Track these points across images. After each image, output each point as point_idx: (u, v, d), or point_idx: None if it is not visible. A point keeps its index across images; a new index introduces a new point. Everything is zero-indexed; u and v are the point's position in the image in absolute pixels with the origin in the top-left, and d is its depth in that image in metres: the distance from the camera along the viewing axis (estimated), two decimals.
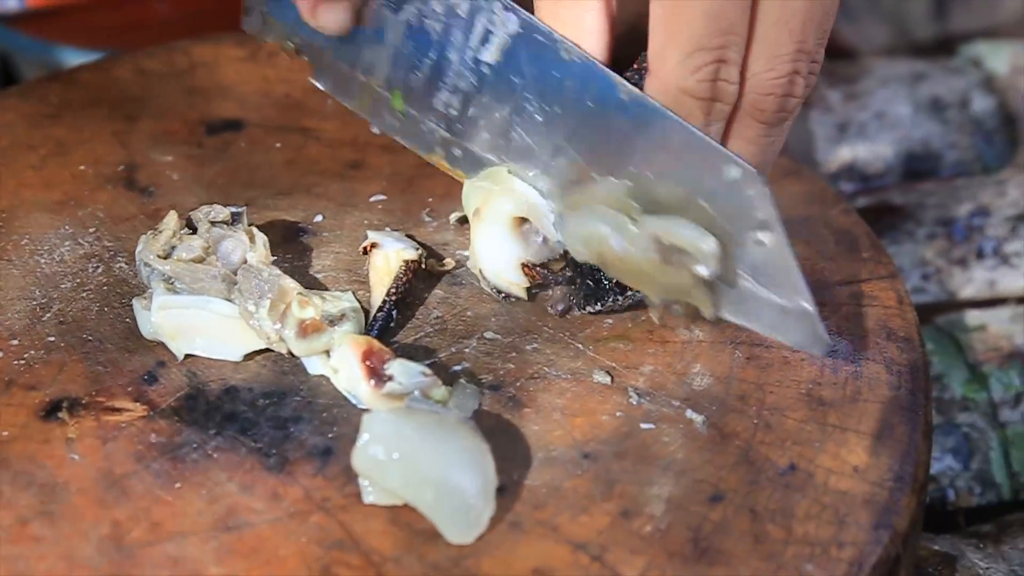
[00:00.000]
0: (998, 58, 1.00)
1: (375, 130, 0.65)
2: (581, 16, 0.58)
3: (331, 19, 0.61)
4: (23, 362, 0.59)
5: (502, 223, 0.61)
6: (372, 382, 0.56)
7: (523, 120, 0.58)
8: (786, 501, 0.54)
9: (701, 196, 0.55)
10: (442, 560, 0.52)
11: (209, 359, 0.59)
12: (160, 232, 0.62)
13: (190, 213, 0.63)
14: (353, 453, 0.53)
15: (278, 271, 0.60)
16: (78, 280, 0.63)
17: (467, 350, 0.60)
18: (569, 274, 0.61)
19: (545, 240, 0.61)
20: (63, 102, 0.75)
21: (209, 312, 0.59)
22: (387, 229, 0.66)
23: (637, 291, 0.60)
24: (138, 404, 0.57)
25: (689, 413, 0.58)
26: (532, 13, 0.59)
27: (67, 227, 0.66)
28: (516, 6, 0.58)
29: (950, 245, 0.86)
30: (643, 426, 0.57)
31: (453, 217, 0.67)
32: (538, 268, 0.62)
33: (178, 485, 0.54)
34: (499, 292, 0.62)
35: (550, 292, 0.62)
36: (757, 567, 0.52)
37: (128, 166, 0.70)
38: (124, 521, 0.53)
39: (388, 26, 0.60)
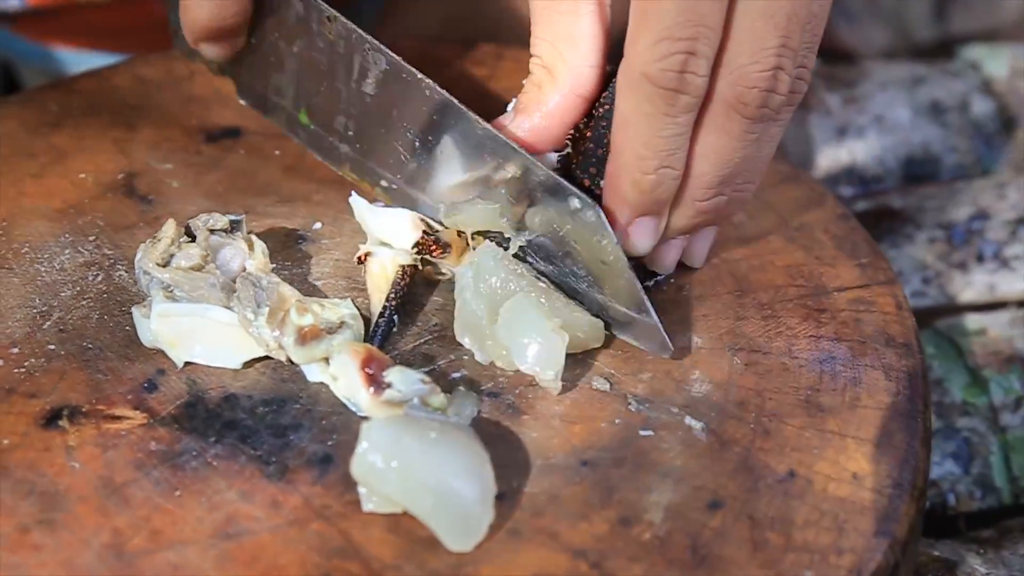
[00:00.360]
0: (997, 61, 1.00)
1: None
2: (575, 23, 0.58)
3: (213, 52, 0.68)
4: (23, 370, 0.59)
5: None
6: (371, 389, 0.56)
7: (404, 145, 0.63)
8: (785, 508, 0.54)
9: (555, 222, 0.59)
10: (442, 568, 0.52)
11: (208, 367, 0.59)
12: (159, 240, 0.62)
13: (189, 221, 0.63)
14: (352, 461, 0.53)
15: (277, 279, 0.60)
16: (78, 288, 0.63)
17: (466, 357, 0.60)
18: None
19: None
20: (63, 110, 0.75)
21: (208, 320, 0.59)
22: (381, 204, 0.66)
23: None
24: (138, 412, 0.57)
25: (688, 420, 0.58)
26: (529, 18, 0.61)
27: (67, 235, 0.66)
28: (382, 46, 0.63)
29: (950, 249, 0.86)
30: (642, 433, 0.57)
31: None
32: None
33: (178, 493, 0.54)
34: None
35: None
36: (756, 574, 0.52)
37: (128, 174, 0.71)
38: (124, 529, 0.53)
39: (286, 56, 0.67)
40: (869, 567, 0.52)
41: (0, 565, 0.51)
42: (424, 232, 0.63)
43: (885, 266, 0.66)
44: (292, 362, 0.59)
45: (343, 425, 0.57)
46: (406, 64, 0.62)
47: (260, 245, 0.62)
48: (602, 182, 0.60)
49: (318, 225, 0.68)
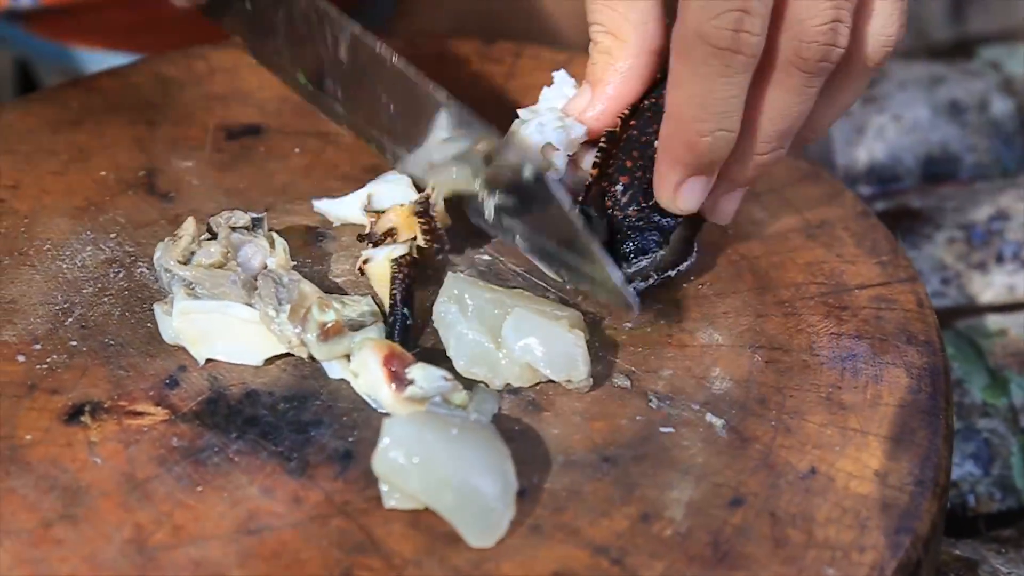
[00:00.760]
0: (1017, 61, 1.00)
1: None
2: (632, 6, 0.58)
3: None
4: (46, 366, 0.59)
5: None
6: (393, 386, 0.56)
7: (383, 110, 0.65)
8: (806, 505, 0.54)
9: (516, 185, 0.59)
10: (463, 564, 0.52)
11: (230, 363, 0.60)
12: (179, 238, 0.62)
13: (210, 219, 0.63)
14: (374, 457, 0.53)
15: (298, 276, 0.60)
16: (100, 285, 0.64)
17: None
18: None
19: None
20: (84, 108, 0.75)
21: (230, 317, 0.59)
22: (393, 172, 0.67)
23: (653, 256, 0.61)
24: (160, 408, 0.58)
25: (709, 417, 0.58)
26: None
27: (88, 232, 0.67)
28: (345, 16, 0.64)
29: (969, 249, 0.86)
30: (663, 430, 0.57)
31: None
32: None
33: (200, 489, 0.54)
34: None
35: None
36: (777, 571, 0.52)
37: (149, 171, 0.71)
38: (146, 524, 0.53)
39: (276, 20, 0.69)
40: (891, 565, 0.52)
41: (23, 559, 0.51)
42: (371, 221, 0.64)
43: (906, 263, 0.66)
44: (313, 359, 0.59)
45: (364, 421, 0.57)
46: (369, 36, 0.64)
47: (281, 243, 0.62)
48: (644, 163, 0.60)
49: (338, 223, 0.68)
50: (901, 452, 0.56)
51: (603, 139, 0.61)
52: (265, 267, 0.61)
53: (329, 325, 0.58)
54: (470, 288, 0.59)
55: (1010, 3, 1.22)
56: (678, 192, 0.59)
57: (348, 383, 0.59)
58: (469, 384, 0.58)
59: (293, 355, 0.60)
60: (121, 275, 0.64)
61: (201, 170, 0.71)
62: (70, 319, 0.62)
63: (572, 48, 0.81)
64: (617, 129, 0.61)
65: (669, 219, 0.61)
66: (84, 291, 0.63)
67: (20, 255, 0.65)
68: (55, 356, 0.60)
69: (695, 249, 0.63)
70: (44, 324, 0.61)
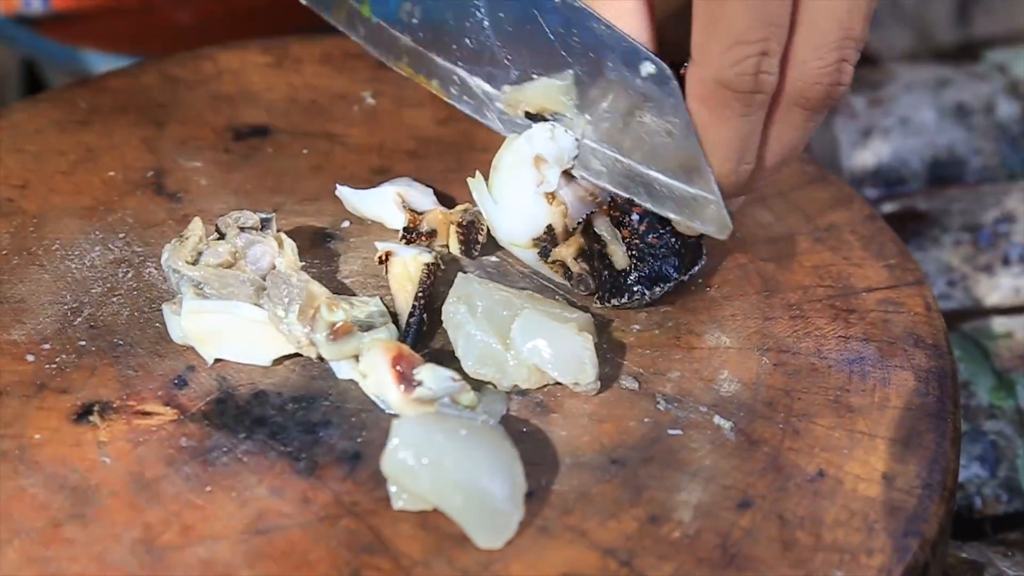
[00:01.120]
0: (1023, 64, 1.00)
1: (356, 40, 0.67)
2: (621, 4, 0.58)
3: None
4: (55, 366, 0.59)
5: (519, 170, 0.61)
6: (402, 387, 0.56)
7: (473, 27, 0.62)
8: (815, 508, 0.54)
9: (624, 90, 0.58)
10: (471, 565, 0.52)
11: (238, 363, 0.60)
12: (186, 238, 0.62)
13: (218, 219, 0.63)
14: (383, 458, 0.53)
15: (306, 276, 0.61)
16: (108, 285, 0.64)
17: None
18: (582, 266, 0.62)
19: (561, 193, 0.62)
20: (92, 108, 0.75)
21: (238, 317, 0.59)
22: (410, 179, 0.67)
23: (667, 285, 0.61)
24: (168, 408, 0.58)
25: (717, 419, 0.58)
26: None
27: (97, 232, 0.67)
28: None
29: (976, 251, 0.86)
30: (671, 432, 0.57)
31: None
32: (557, 261, 0.62)
33: (209, 489, 0.54)
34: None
35: (573, 280, 0.62)
36: (786, 574, 0.52)
37: (157, 172, 0.71)
38: (155, 524, 0.53)
39: None
40: (899, 567, 0.52)
41: (32, 559, 0.52)
42: (409, 219, 0.64)
43: (913, 267, 0.66)
44: (321, 359, 0.59)
45: (372, 422, 0.57)
46: None
47: (289, 243, 0.62)
48: None
49: (346, 223, 0.68)
50: (909, 455, 0.56)
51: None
52: (274, 267, 0.61)
53: (338, 325, 0.58)
54: (480, 289, 0.59)
55: (1015, 6, 1.22)
56: None
57: (357, 384, 0.59)
58: (477, 385, 0.58)
59: (301, 355, 0.60)
60: (130, 275, 0.64)
61: (209, 170, 0.71)
62: (79, 319, 0.62)
63: None
64: None
65: (688, 240, 0.61)
66: (93, 291, 0.63)
67: (29, 255, 0.65)
68: (64, 356, 0.60)
69: (704, 252, 0.63)
70: (53, 324, 0.61)
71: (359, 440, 0.56)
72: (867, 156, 0.94)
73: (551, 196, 0.61)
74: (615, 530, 0.53)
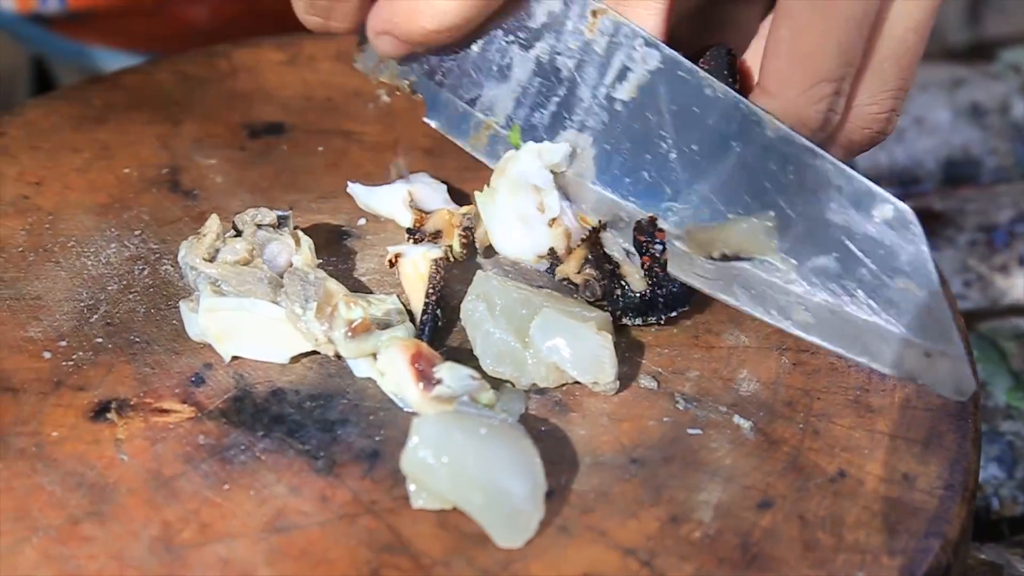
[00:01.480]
0: None
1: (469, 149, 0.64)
2: (643, 22, 0.57)
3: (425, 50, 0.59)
4: (72, 363, 0.59)
5: (517, 197, 0.61)
6: (421, 385, 0.56)
7: (655, 158, 0.57)
8: (836, 508, 0.54)
9: (847, 235, 0.53)
10: (491, 564, 0.51)
11: (256, 361, 0.59)
12: (203, 236, 0.62)
13: (235, 216, 0.63)
14: (402, 456, 0.53)
15: (323, 274, 0.60)
16: (124, 282, 0.64)
17: None
18: (588, 273, 0.61)
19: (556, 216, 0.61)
20: (107, 105, 0.75)
21: (256, 314, 0.59)
22: (423, 173, 0.67)
23: (682, 310, 0.60)
24: (186, 405, 0.57)
25: (736, 419, 0.57)
26: None
27: (113, 229, 0.67)
28: (658, 42, 0.56)
29: (991, 252, 0.85)
30: (690, 431, 0.57)
31: None
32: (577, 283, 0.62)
33: (227, 487, 0.54)
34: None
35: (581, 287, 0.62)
36: (807, 574, 0.51)
37: (172, 169, 0.71)
38: (174, 522, 0.53)
39: (515, 63, 0.59)
40: (921, 568, 0.52)
41: (51, 556, 0.51)
42: (415, 219, 0.64)
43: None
44: (339, 357, 0.59)
45: (390, 421, 0.57)
46: (685, 59, 0.56)
47: (306, 241, 0.62)
48: None
49: (362, 221, 0.68)
50: (930, 456, 0.56)
51: None
52: (290, 265, 0.61)
53: (356, 322, 0.58)
54: (499, 287, 0.59)
55: None
56: None
57: (374, 382, 0.59)
58: (495, 384, 0.58)
59: (319, 353, 0.60)
60: (146, 272, 0.64)
61: (224, 168, 0.71)
62: (95, 316, 0.62)
63: None
64: None
65: None
66: (109, 288, 0.63)
67: (45, 251, 0.65)
68: (81, 353, 0.60)
69: None
70: (69, 321, 0.61)
71: (377, 438, 0.56)
72: (882, 156, 0.94)
73: (553, 222, 0.60)
74: (635, 530, 0.53)
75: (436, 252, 0.62)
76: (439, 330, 0.61)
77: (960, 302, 0.83)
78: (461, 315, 0.60)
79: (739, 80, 0.58)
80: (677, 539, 0.52)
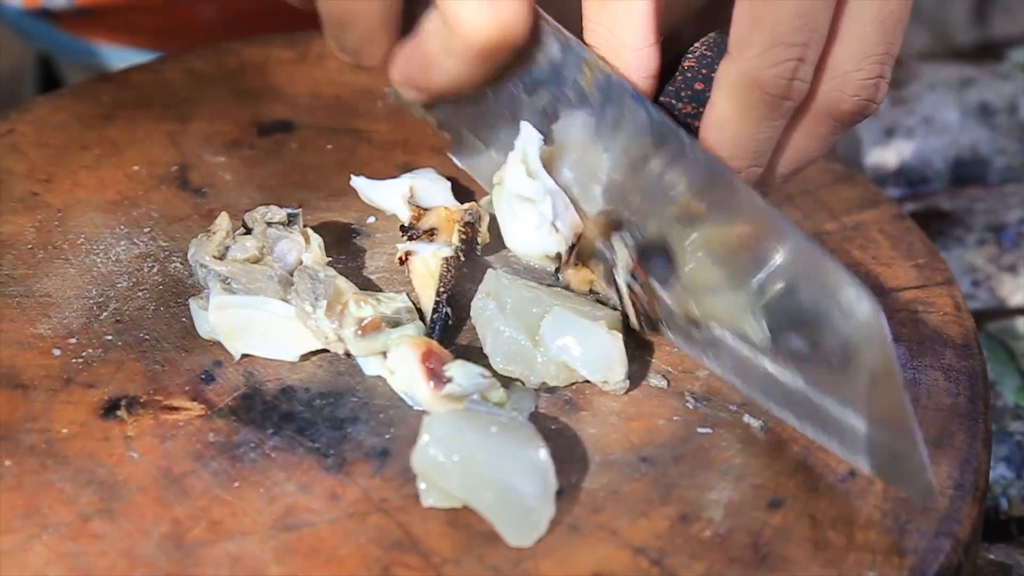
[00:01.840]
0: None
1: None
2: (630, 3, 0.56)
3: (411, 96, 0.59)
4: (81, 360, 0.59)
5: (518, 206, 0.60)
6: (431, 384, 0.56)
7: (655, 210, 0.57)
8: (846, 508, 0.54)
9: (824, 323, 0.51)
10: (501, 562, 0.51)
11: (265, 359, 0.59)
12: (213, 233, 0.62)
13: (245, 214, 0.63)
14: (413, 454, 0.53)
15: (333, 272, 0.60)
16: (134, 279, 0.64)
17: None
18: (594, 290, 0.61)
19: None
20: (116, 103, 0.75)
21: (266, 312, 0.59)
22: (429, 169, 0.67)
23: None
24: (195, 403, 0.57)
25: (746, 418, 0.57)
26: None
27: (122, 226, 0.67)
28: (646, 100, 0.56)
29: (1000, 252, 0.85)
30: (700, 431, 0.57)
31: None
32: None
33: (237, 484, 0.54)
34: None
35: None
36: (818, 573, 0.51)
37: (181, 166, 0.71)
38: (184, 519, 0.53)
39: (522, 109, 0.59)
40: (932, 568, 0.52)
41: (61, 553, 0.51)
42: (412, 216, 0.63)
43: (942, 267, 0.66)
44: (348, 355, 0.59)
45: (400, 419, 0.57)
46: (670, 121, 0.56)
47: (316, 239, 0.62)
48: None
49: (372, 219, 0.68)
50: (940, 456, 0.56)
51: None
52: (300, 263, 0.61)
53: (366, 320, 0.58)
54: (509, 285, 0.59)
55: None
56: None
57: (384, 380, 0.58)
58: (505, 382, 0.58)
59: (328, 351, 0.60)
60: (155, 270, 0.64)
61: (233, 165, 0.71)
62: (105, 313, 0.62)
63: None
64: None
65: None
66: (118, 285, 0.63)
67: (54, 249, 0.65)
68: (90, 350, 0.60)
69: None
70: (79, 318, 0.61)
71: (387, 436, 0.56)
72: (890, 155, 0.93)
73: (553, 227, 0.60)
74: (646, 529, 0.53)
75: (447, 250, 0.62)
76: (449, 328, 0.61)
77: (968, 302, 0.83)
78: (471, 313, 0.60)
79: None
80: (687, 538, 0.52)
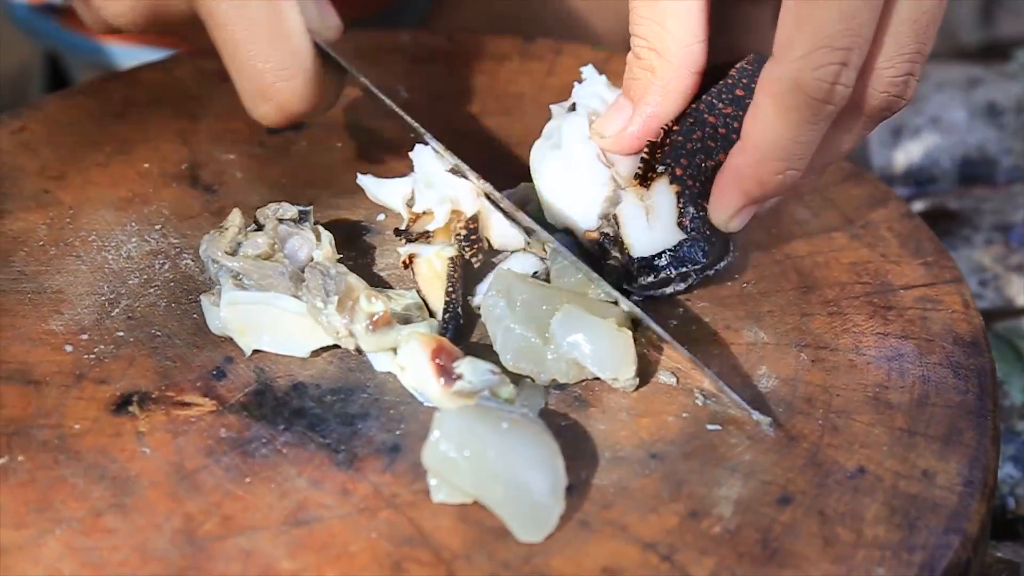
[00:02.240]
0: None
1: None
2: (680, 26, 0.57)
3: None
4: (93, 356, 0.59)
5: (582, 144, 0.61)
6: (442, 380, 0.56)
7: None
8: (855, 504, 0.54)
9: None
10: (512, 558, 0.52)
11: (277, 355, 0.60)
12: (226, 229, 0.62)
13: (257, 211, 0.63)
14: (424, 450, 0.53)
15: (344, 268, 0.61)
16: (145, 276, 0.64)
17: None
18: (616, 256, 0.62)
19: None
20: (127, 101, 0.75)
21: (277, 308, 0.60)
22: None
23: (694, 268, 0.61)
24: (207, 399, 0.58)
25: (755, 415, 0.57)
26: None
27: (133, 224, 0.67)
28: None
29: (1007, 251, 0.85)
30: (709, 427, 0.57)
31: None
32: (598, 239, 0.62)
33: (248, 480, 0.54)
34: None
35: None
36: (827, 570, 0.51)
37: (192, 164, 0.71)
38: (196, 514, 0.53)
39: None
40: (941, 564, 0.52)
41: (74, 548, 0.52)
42: (409, 218, 0.64)
43: (950, 264, 0.66)
44: (359, 351, 0.59)
45: (410, 415, 0.57)
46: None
47: (327, 236, 0.62)
48: (692, 172, 0.60)
49: (382, 217, 0.68)
50: (949, 452, 0.56)
51: (645, 149, 0.61)
52: (311, 259, 0.61)
53: (377, 316, 0.58)
54: (519, 283, 0.59)
55: None
56: (735, 217, 0.59)
57: (394, 376, 0.59)
58: (515, 379, 0.58)
59: (339, 347, 0.60)
60: (166, 266, 0.64)
61: (243, 163, 0.71)
62: (116, 309, 0.62)
63: (610, 47, 0.81)
64: (659, 138, 0.61)
65: (718, 232, 0.61)
66: (130, 282, 0.64)
67: (66, 245, 0.65)
68: (102, 346, 0.60)
69: (731, 248, 0.63)
70: (91, 314, 0.62)
71: (398, 432, 0.56)
72: (898, 155, 0.94)
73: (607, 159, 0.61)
74: (655, 524, 0.53)
75: (450, 251, 0.62)
76: (460, 327, 0.61)
77: (976, 301, 0.83)
78: (481, 311, 0.60)
79: None
80: (697, 534, 0.53)
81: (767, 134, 0.56)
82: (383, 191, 0.67)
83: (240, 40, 0.61)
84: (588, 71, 0.65)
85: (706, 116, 0.60)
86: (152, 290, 0.63)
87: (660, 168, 0.60)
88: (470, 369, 0.56)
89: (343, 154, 0.72)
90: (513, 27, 0.88)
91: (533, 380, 0.58)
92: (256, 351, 0.60)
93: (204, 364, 0.59)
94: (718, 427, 0.57)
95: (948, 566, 0.52)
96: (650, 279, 0.61)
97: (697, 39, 0.58)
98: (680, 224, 0.61)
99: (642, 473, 0.55)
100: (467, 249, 0.62)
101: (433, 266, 0.62)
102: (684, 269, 0.61)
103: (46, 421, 0.56)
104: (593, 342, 0.57)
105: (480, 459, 0.52)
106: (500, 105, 0.76)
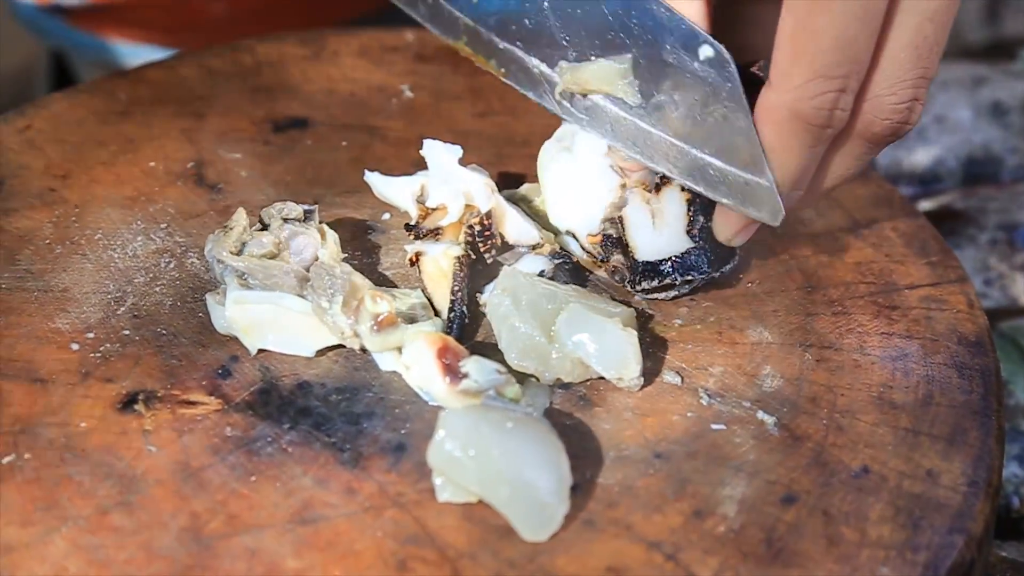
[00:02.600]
0: None
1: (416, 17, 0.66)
2: (684, 8, 0.57)
3: None
4: (99, 355, 0.60)
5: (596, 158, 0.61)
6: (448, 379, 0.56)
7: (532, 8, 0.61)
8: (860, 504, 0.54)
9: (682, 74, 0.57)
10: (517, 557, 0.52)
11: (282, 354, 0.60)
12: (230, 229, 0.62)
13: (262, 210, 0.64)
14: (429, 449, 0.53)
15: (349, 268, 0.61)
16: (151, 275, 0.64)
17: None
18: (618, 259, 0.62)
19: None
20: (132, 100, 0.76)
21: (282, 308, 0.60)
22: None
23: (698, 276, 0.61)
24: (212, 398, 0.58)
25: (760, 414, 0.58)
26: None
27: (139, 222, 0.67)
28: None
29: (1012, 251, 0.85)
30: (714, 427, 0.57)
31: None
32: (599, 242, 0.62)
33: (253, 478, 0.54)
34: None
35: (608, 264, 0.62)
36: (831, 569, 0.52)
37: (197, 163, 0.71)
38: (201, 513, 0.53)
39: None
40: (945, 564, 0.52)
41: (80, 546, 0.52)
42: (419, 214, 0.64)
43: (955, 264, 0.66)
44: (364, 351, 0.60)
45: (416, 414, 0.57)
46: None
47: (332, 235, 0.63)
48: None
49: (387, 216, 0.68)
50: (954, 452, 0.56)
51: None
52: (316, 259, 0.61)
53: (382, 316, 0.58)
54: (524, 282, 0.59)
55: None
56: (738, 234, 0.60)
57: (399, 375, 0.59)
58: (520, 378, 0.58)
59: (344, 347, 0.60)
60: (172, 265, 0.65)
61: (249, 162, 0.71)
62: (122, 308, 0.62)
63: None
64: None
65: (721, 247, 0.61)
66: (136, 280, 0.64)
67: (72, 244, 0.66)
68: (108, 344, 0.60)
69: (737, 252, 0.63)
70: (97, 312, 0.62)
71: (403, 431, 0.57)
72: (902, 154, 0.93)
73: (620, 170, 0.61)
74: (660, 524, 0.53)
75: (457, 250, 0.62)
76: (465, 326, 0.61)
77: (981, 301, 0.83)
78: (486, 309, 0.60)
79: None
80: (702, 533, 0.53)
81: (770, 161, 0.56)
82: (390, 188, 0.67)
83: None
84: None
85: None
86: (158, 288, 0.63)
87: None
88: (476, 368, 0.56)
89: (348, 153, 0.72)
90: None
91: (538, 379, 0.58)
92: (261, 350, 0.60)
93: (210, 363, 0.59)
94: (723, 426, 0.57)
95: (952, 566, 0.52)
96: (654, 283, 0.61)
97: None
98: (689, 233, 0.61)
99: (647, 472, 0.55)
100: (480, 244, 0.62)
101: (439, 265, 0.62)
102: (689, 277, 0.61)
103: (52, 419, 0.57)
104: (598, 341, 0.57)
105: (485, 458, 0.52)
106: (504, 104, 0.76)
